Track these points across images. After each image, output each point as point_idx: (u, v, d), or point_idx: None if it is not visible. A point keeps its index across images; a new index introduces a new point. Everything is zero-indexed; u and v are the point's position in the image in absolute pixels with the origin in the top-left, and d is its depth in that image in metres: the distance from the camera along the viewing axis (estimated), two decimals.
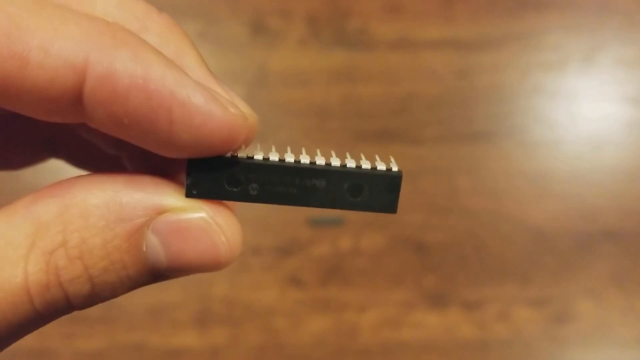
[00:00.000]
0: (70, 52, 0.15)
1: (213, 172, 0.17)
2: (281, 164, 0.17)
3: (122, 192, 0.16)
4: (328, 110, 0.57)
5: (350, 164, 0.17)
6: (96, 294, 0.16)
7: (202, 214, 0.16)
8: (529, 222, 0.56)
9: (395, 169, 0.17)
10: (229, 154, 0.17)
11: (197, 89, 0.15)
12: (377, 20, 0.59)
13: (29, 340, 0.45)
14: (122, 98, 0.15)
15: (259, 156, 0.17)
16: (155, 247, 0.16)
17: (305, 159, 0.17)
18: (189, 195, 0.17)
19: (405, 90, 0.58)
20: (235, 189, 0.17)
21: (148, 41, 0.16)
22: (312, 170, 0.17)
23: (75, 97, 0.15)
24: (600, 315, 0.55)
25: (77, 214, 0.16)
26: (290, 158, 0.17)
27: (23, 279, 0.15)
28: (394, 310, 0.54)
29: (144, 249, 0.16)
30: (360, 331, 0.54)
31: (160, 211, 0.16)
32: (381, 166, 0.17)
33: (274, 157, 0.17)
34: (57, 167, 0.24)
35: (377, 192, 0.17)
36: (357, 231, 0.55)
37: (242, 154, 0.17)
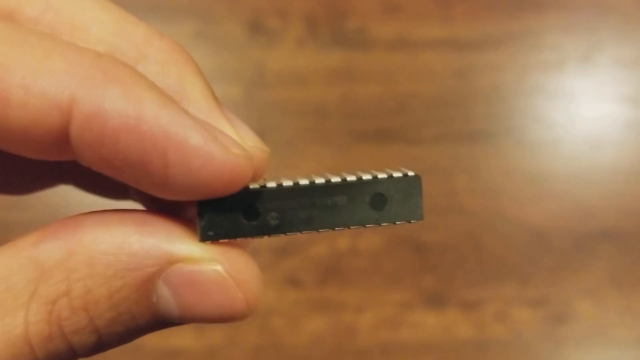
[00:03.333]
0: (54, 90, 0.13)
1: (227, 208, 0.15)
2: (297, 186, 0.16)
3: (132, 237, 0.15)
4: (326, 110, 0.57)
5: (366, 176, 0.16)
6: (103, 344, 0.15)
7: (217, 267, 0.15)
8: (527, 222, 0.56)
9: (411, 173, 0.16)
10: None
11: (195, 129, 0.14)
12: (375, 20, 0.59)
13: None
14: (112, 140, 0.14)
15: (271, 183, 0.16)
16: (167, 298, 0.15)
17: (319, 179, 0.16)
18: (204, 238, 0.15)
19: (404, 90, 0.58)
20: (254, 222, 0.16)
21: (147, 70, 0.15)
22: (330, 186, 0.16)
23: (62, 138, 0.14)
24: (598, 315, 0.55)
25: (82, 261, 0.15)
26: (304, 180, 0.16)
27: (24, 330, 0.14)
28: (392, 311, 0.54)
29: (154, 299, 0.15)
30: (359, 331, 0.54)
31: (173, 260, 0.15)
32: (397, 173, 0.16)
33: (287, 182, 0.16)
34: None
35: (399, 199, 0.16)
36: (355, 231, 0.55)
37: (253, 184, 0.16)
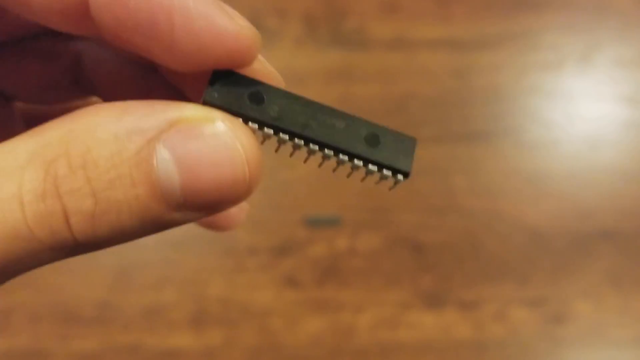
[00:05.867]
0: None
1: (237, 85, 0.16)
2: (305, 98, 0.17)
3: (136, 104, 0.15)
4: None
5: (368, 120, 0.17)
6: (99, 216, 0.15)
7: (219, 123, 0.15)
8: (525, 222, 0.56)
9: (409, 135, 0.17)
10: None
11: None
12: (373, 19, 0.59)
13: (23, 341, 0.45)
14: (124, 1, 0.15)
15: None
16: (167, 162, 0.15)
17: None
18: (208, 97, 0.16)
19: (402, 90, 0.58)
20: (256, 106, 0.16)
21: None
22: (333, 110, 0.17)
23: (82, 4, 0.15)
24: (597, 315, 0.55)
25: (83, 129, 0.15)
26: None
27: (17, 187, 0.14)
28: (390, 311, 0.54)
29: (155, 163, 0.15)
30: (357, 331, 0.54)
31: (175, 122, 0.15)
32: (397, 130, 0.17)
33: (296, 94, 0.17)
34: None
35: (392, 149, 0.17)
36: (354, 231, 0.55)
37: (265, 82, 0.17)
